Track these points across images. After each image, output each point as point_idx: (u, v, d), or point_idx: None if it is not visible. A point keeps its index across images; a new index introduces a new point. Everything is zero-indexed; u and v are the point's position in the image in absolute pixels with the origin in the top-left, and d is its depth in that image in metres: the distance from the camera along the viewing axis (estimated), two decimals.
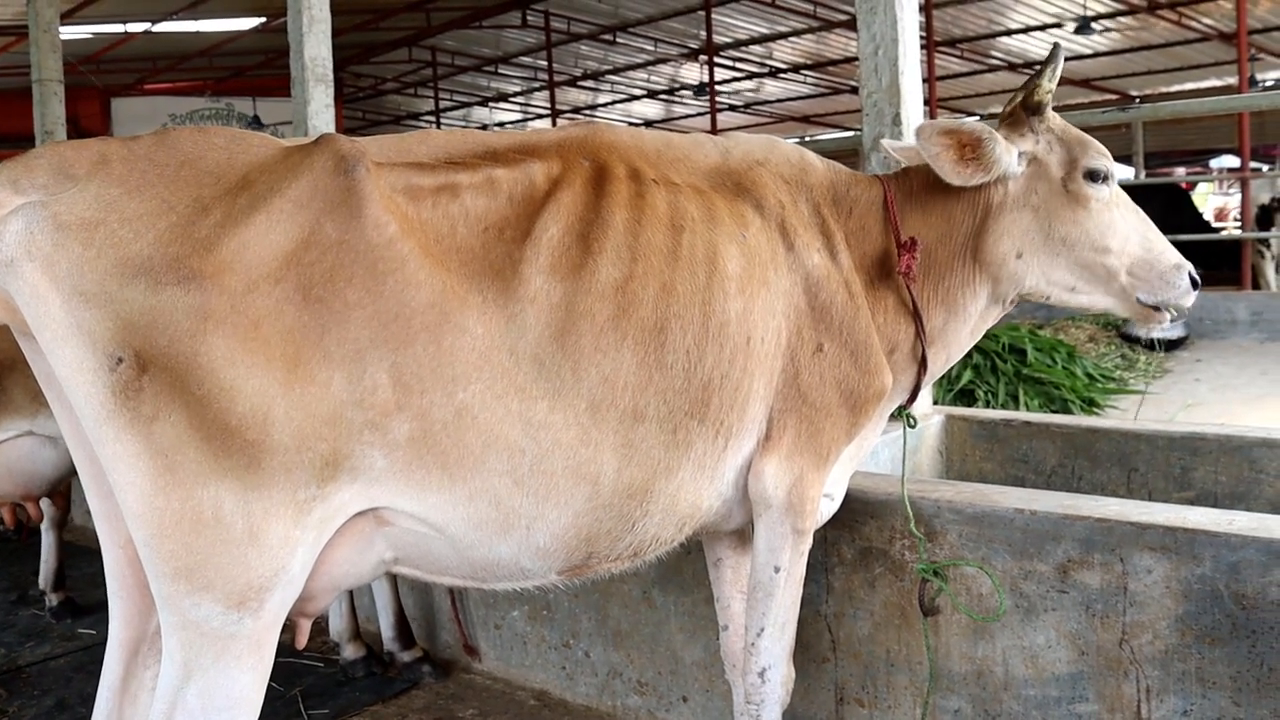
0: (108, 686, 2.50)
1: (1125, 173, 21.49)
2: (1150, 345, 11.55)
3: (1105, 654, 3.01)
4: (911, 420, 3.27)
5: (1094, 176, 3.02)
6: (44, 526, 5.95)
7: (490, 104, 28.60)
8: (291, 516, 2.23)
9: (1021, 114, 3.09)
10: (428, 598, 4.83)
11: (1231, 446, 4.13)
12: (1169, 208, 15.80)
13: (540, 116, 29.05)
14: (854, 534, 3.42)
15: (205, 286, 2.13)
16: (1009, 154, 2.98)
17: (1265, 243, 13.25)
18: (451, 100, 27.93)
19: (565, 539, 2.52)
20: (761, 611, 2.95)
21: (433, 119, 28.15)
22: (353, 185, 2.27)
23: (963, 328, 3.14)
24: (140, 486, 2.14)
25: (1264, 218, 15.18)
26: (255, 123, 23.86)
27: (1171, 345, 11.65)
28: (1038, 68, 3.08)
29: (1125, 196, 3.11)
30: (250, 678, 2.27)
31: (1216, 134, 20.67)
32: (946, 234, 3.07)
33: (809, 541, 2.95)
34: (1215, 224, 19.75)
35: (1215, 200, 24.90)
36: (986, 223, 3.04)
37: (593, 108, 28.81)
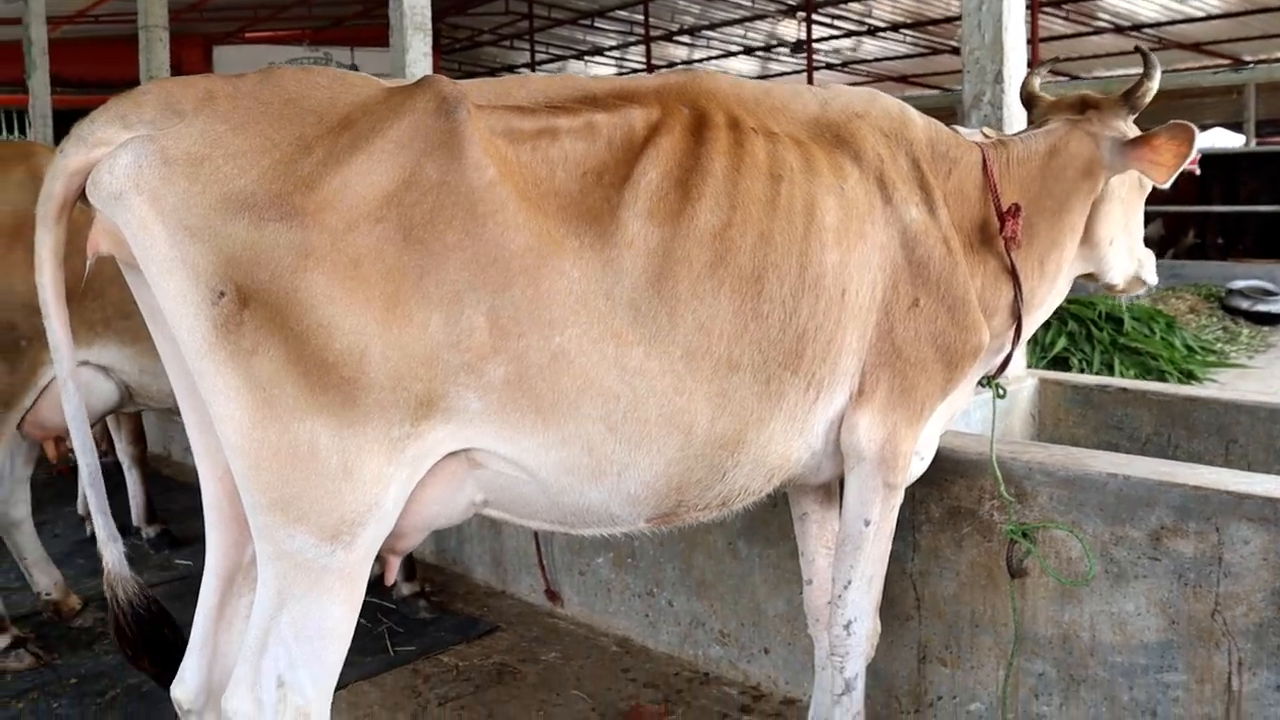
0: (203, 614, 2.59)
1: (1235, 140, 20.78)
2: (1253, 318, 11.25)
3: (1196, 624, 2.97)
4: (1001, 390, 3.26)
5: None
6: (125, 465, 6.13)
7: (585, 58, 28.53)
8: (385, 454, 2.26)
9: (1122, 111, 3.21)
10: (512, 541, 4.91)
11: None
12: (1276, 176, 15.26)
13: (635, 71, 28.92)
14: (943, 493, 3.40)
15: (307, 224, 2.16)
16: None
17: None
18: (547, 53, 27.92)
19: (656, 487, 2.55)
20: (849, 564, 2.96)
21: (528, 72, 28.17)
22: (454, 127, 2.28)
23: (1049, 299, 3.27)
24: (239, 419, 2.19)
25: None
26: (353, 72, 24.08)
27: (1275, 320, 11.32)
28: (1142, 71, 3.21)
29: None
30: (342, 609, 2.33)
31: None
32: (1046, 209, 3.13)
33: (900, 497, 2.95)
34: None
35: None
36: (1095, 208, 3.20)
37: (688, 63, 28.57)
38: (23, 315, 4.12)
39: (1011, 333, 3.13)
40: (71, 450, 4.81)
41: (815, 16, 21.46)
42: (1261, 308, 11.07)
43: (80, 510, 6.27)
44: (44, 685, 4.28)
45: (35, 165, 4.23)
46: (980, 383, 3.26)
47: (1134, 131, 3.18)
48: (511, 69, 29.66)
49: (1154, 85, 3.18)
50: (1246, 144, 16.52)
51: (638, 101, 2.61)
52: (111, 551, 2.57)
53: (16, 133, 20.68)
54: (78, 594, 5.09)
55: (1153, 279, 3.49)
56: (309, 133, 2.25)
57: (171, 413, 4.87)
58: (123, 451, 6.07)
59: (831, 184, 2.73)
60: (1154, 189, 3.29)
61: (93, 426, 4.87)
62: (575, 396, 2.38)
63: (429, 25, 7.08)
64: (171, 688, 2.57)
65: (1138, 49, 3.30)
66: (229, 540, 2.57)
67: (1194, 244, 15.57)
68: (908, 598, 3.51)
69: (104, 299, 4.22)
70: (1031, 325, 3.24)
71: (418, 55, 6.99)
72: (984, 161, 3.08)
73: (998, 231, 3.01)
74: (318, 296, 2.16)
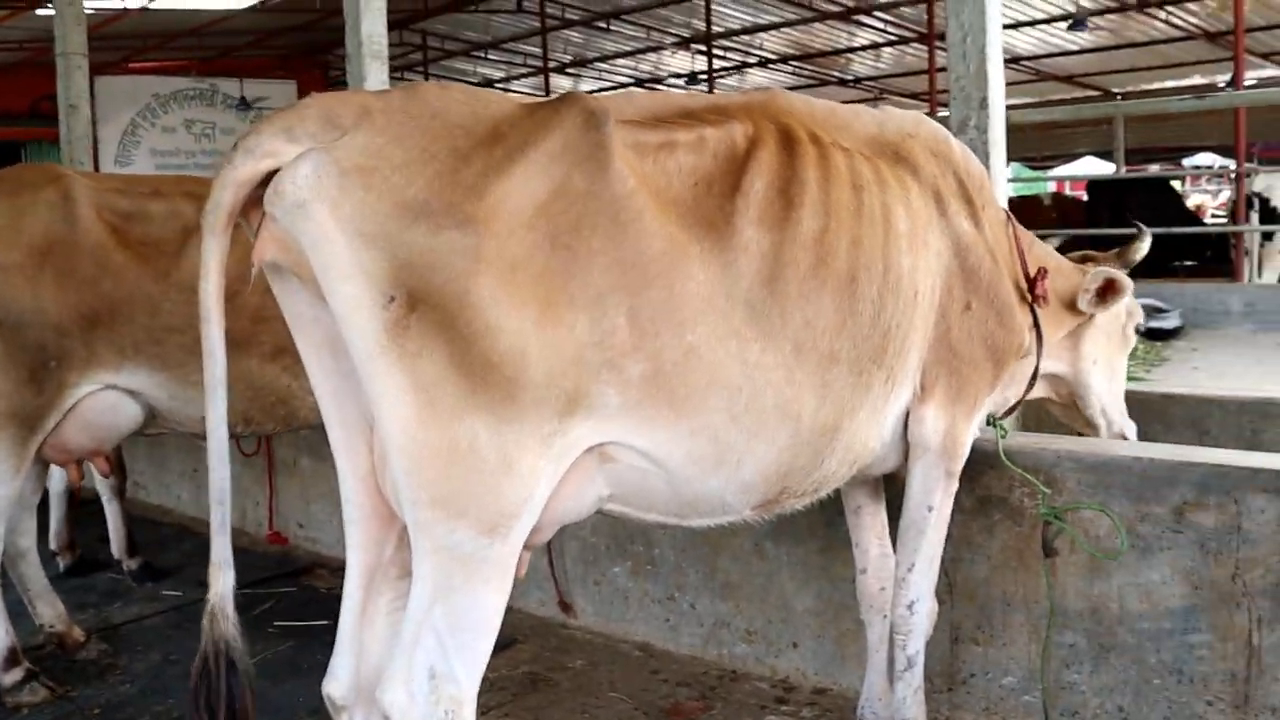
0: (349, 611, 2.67)
1: (1106, 168, 21.88)
2: (1148, 335, 11.89)
3: (1218, 588, 3.30)
4: (1003, 430, 3.61)
5: (1138, 330, 4.18)
6: (105, 497, 6.08)
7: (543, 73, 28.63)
8: (538, 449, 2.41)
9: (1116, 264, 3.92)
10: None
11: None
12: (1156, 201, 16.15)
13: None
14: (974, 484, 3.68)
15: (479, 230, 2.29)
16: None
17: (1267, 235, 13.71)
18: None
19: (767, 474, 2.76)
20: (913, 548, 3.23)
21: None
22: (602, 140, 2.45)
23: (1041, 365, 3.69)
24: (403, 419, 2.31)
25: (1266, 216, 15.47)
26: (242, 104, 23.70)
27: (1168, 335, 11.96)
28: (1137, 234, 4.05)
29: None
30: (496, 600, 2.46)
31: (1195, 131, 21.07)
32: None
33: (955, 484, 3.23)
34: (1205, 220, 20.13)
35: (1196, 197, 25.30)
36: (1082, 328, 3.85)
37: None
38: (53, 336, 4.14)
39: (1025, 382, 3.59)
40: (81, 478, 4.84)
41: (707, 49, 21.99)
42: (1154, 324, 11.69)
43: (52, 545, 6.17)
44: (66, 717, 4.26)
45: (64, 186, 4.26)
46: (987, 421, 3.58)
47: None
48: None
49: (1144, 246, 4.00)
50: (1117, 171, 17.40)
51: (730, 116, 2.82)
52: (223, 579, 2.53)
53: None
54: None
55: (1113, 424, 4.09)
56: (461, 145, 2.38)
57: (195, 437, 4.89)
58: (102, 483, 6.02)
59: (899, 195, 2.99)
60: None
61: (112, 450, 4.90)
62: (704, 390, 2.58)
63: (385, 53, 7.19)
64: (323, 685, 2.66)
65: (1135, 224, 4.16)
66: (369, 539, 2.66)
67: None
68: (939, 584, 3.75)
69: (134, 324, 4.26)
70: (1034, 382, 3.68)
71: (376, 82, 7.08)
72: (1010, 222, 3.50)
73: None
74: (486, 299, 2.30)
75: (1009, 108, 4.87)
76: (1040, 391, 3.91)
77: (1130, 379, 10.63)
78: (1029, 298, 3.43)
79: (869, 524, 3.53)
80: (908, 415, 3.14)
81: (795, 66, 24.53)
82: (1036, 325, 3.46)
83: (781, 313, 2.67)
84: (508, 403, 2.35)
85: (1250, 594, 3.25)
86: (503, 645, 4.68)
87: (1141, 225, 4.07)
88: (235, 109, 23.36)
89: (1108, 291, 3.68)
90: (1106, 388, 4.03)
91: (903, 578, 3.26)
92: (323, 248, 2.28)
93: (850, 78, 24.94)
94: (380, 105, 2.42)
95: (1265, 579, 3.22)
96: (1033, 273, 3.44)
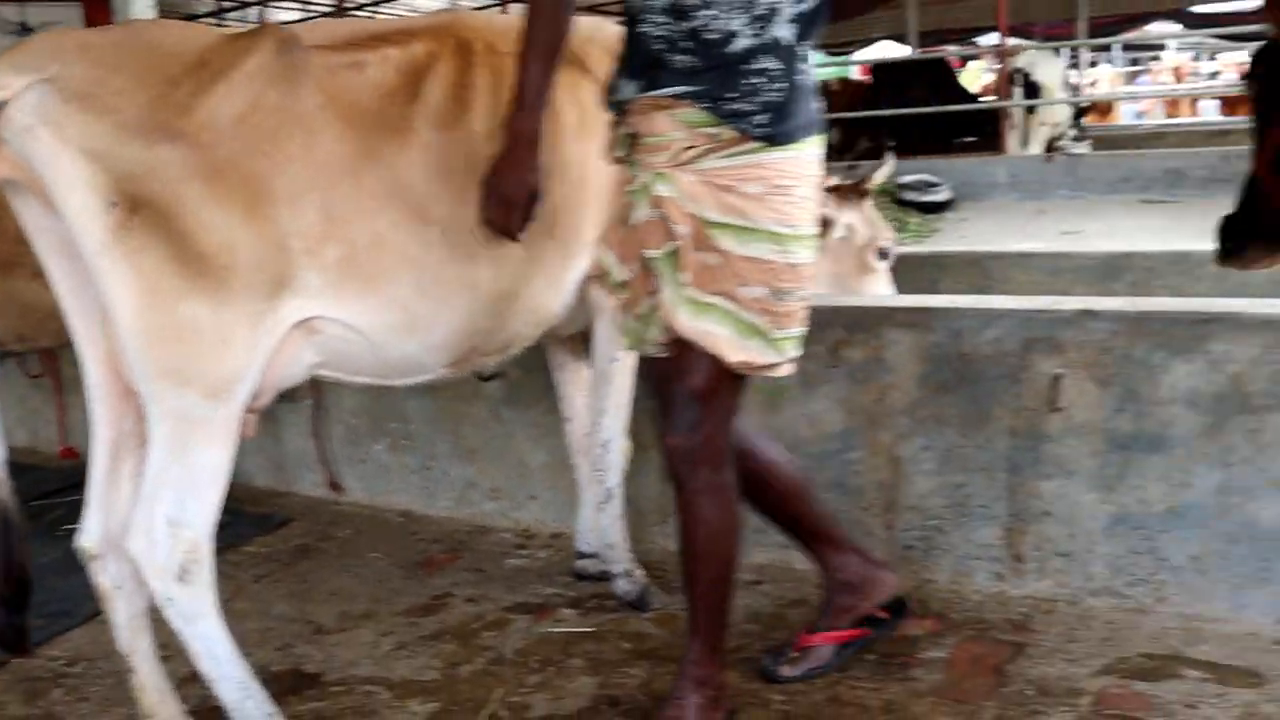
0: (97, 478, 3.07)
1: (902, 50, 22.68)
2: (921, 208, 12.65)
3: (867, 412, 3.85)
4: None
5: (884, 254, 4.70)
6: None
7: (269, 2, 27.90)
8: (251, 325, 2.85)
9: (853, 195, 4.57)
10: (292, 445, 5.36)
11: (970, 259, 5.05)
12: (936, 82, 16.94)
13: (325, 13, 28.50)
14: None
15: (188, 143, 2.73)
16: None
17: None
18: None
19: (455, 336, 3.20)
20: (603, 394, 3.69)
21: (214, 19, 27.23)
22: (292, 62, 2.90)
23: None
24: (131, 306, 2.73)
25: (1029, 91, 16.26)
26: (23, 29, 22.66)
27: (939, 207, 12.72)
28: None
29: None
30: (223, 455, 2.90)
31: (983, 13, 21.99)
32: None
33: None
34: (984, 97, 20.98)
35: (988, 76, 26.31)
36: None
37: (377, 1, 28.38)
38: None
39: None
40: None
41: None
42: (927, 198, 12.37)
43: None
44: None
45: None
46: None
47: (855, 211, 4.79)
48: (194, 17, 28.54)
49: (883, 174, 4.97)
50: (912, 54, 18.10)
51: (416, 37, 3.20)
52: None
53: None
54: None
55: None
56: (173, 71, 2.79)
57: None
58: None
59: (570, 94, 3.37)
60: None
61: None
62: (393, 268, 3.01)
63: None
64: (77, 539, 3.05)
65: (888, 146, 4.52)
66: (112, 415, 3.04)
67: (869, 147, 17.06)
68: (647, 432, 4.22)
69: None
70: None
71: (143, 7, 7.27)
72: None
73: None
74: (196, 202, 2.73)
75: None
76: None
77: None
78: None
79: (571, 379, 3.98)
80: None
81: None
82: None
83: (458, 200, 3.06)
84: (222, 288, 2.78)
85: (891, 414, 3.81)
86: (277, 525, 5.05)
87: (892, 155, 4.67)
88: (17, 35, 22.34)
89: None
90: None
91: (597, 421, 3.71)
92: (50, 164, 2.66)
93: None
94: (98, 40, 2.86)
95: (903, 400, 3.78)
96: None
